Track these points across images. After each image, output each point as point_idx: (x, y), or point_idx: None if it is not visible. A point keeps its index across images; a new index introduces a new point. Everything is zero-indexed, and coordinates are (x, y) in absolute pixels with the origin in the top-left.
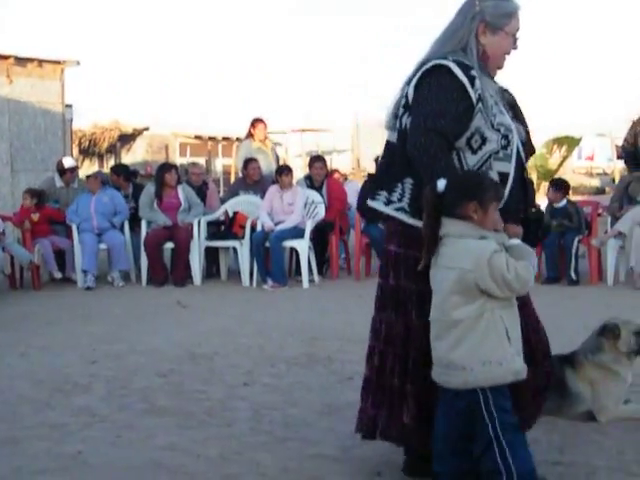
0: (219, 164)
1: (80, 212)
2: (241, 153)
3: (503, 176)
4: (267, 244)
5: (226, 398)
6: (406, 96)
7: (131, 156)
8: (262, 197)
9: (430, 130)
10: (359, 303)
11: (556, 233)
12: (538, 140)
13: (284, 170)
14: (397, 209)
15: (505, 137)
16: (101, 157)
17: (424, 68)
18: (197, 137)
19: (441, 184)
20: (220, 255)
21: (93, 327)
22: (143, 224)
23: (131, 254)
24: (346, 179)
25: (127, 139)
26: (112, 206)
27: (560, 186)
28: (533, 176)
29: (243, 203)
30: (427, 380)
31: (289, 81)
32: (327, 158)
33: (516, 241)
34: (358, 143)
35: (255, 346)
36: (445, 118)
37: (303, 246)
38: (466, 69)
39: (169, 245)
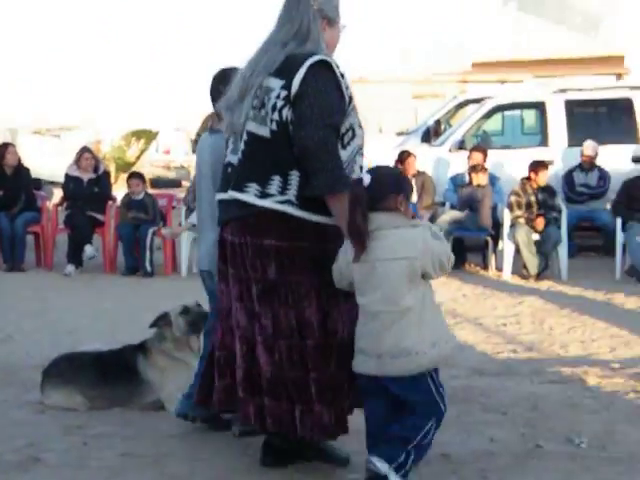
0: None
1: None
2: None
3: (361, 170)
4: None
5: None
6: (286, 88)
7: None
8: None
9: (328, 125)
10: None
11: (132, 225)
12: (117, 133)
13: None
14: (281, 202)
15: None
16: None
17: (309, 62)
18: None
19: (367, 179)
20: None
21: None
22: None
23: None
24: None
25: None
26: None
27: (140, 178)
28: (112, 168)
29: None
30: (330, 368)
31: None
32: None
33: (434, 226)
34: None
35: None
36: (338, 113)
37: None
38: (338, 67)
39: None
